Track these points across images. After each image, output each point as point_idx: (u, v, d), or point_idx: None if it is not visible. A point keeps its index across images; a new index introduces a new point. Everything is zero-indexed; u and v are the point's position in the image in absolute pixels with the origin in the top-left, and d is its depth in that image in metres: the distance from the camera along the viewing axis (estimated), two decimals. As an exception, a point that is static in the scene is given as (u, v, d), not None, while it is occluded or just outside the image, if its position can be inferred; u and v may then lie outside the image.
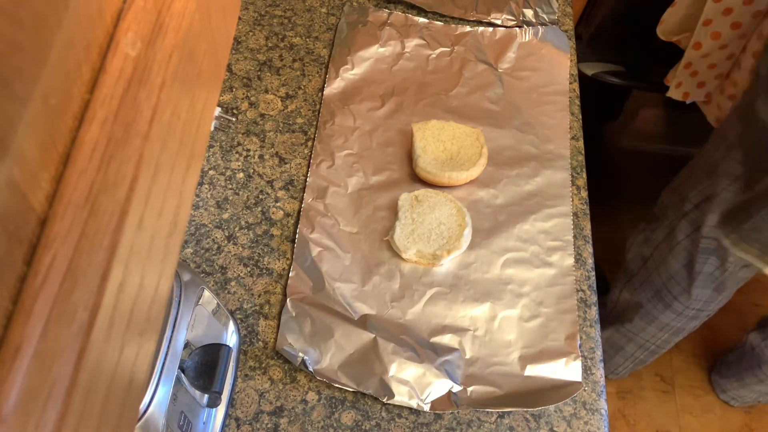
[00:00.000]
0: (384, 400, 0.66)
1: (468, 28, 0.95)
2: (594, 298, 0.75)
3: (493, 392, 0.67)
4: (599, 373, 0.71)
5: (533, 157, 0.84)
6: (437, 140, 0.81)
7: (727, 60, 1.06)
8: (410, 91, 0.89)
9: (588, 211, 0.81)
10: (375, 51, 0.91)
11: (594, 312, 0.74)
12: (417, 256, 0.74)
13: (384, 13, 0.95)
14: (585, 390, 0.70)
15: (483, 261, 0.76)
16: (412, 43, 0.93)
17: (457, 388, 0.67)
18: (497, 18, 0.96)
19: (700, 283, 1.09)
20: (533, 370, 0.69)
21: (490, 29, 0.95)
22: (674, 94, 1.14)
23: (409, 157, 0.82)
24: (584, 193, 0.83)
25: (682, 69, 1.09)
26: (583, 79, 1.32)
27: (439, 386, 0.67)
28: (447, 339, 0.70)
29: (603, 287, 1.52)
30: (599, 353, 0.72)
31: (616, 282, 1.31)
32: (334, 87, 0.87)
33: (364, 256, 0.75)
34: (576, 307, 0.73)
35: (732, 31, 1.00)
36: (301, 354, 0.67)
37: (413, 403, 0.66)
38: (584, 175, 0.84)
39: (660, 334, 1.24)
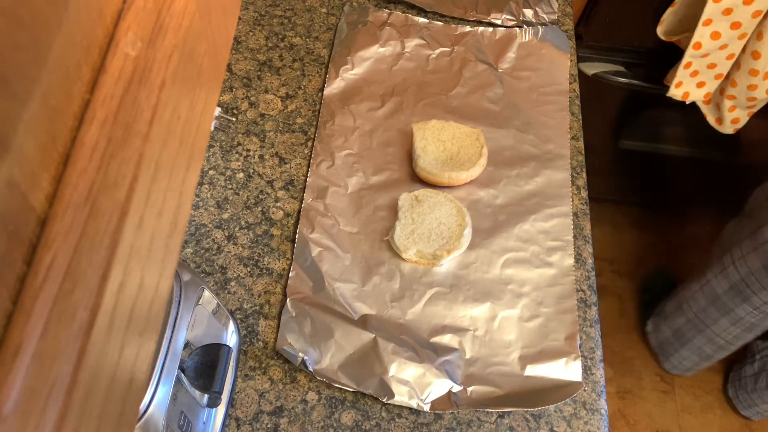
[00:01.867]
0: (384, 400, 0.66)
1: (468, 28, 0.95)
2: (594, 298, 0.75)
3: (493, 392, 0.67)
4: (599, 373, 0.71)
5: (533, 157, 0.84)
6: (437, 140, 0.81)
7: (727, 60, 1.06)
8: (410, 91, 0.89)
9: (588, 211, 0.81)
10: (375, 51, 0.91)
11: (594, 312, 0.74)
12: (417, 256, 0.74)
13: (384, 13, 0.95)
14: (585, 390, 0.70)
15: (483, 261, 0.76)
16: (412, 43, 0.93)
17: (457, 388, 0.67)
18: (497, 18, 0.96)
19: None
20: (533, 370, 0.69)
21: (490, 29, 0.95)
22: (674, 94, 1.14)
23: (409, 157, 0.82)
24: (584, 193, 0.83)
25: (682, 69, 1.09)
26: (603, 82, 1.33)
27: (439, 386, 0.67)
28: (447, 339, 0.70)
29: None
30: (599, 353, 0.72)
31: (690, 273, 1.32)
32: (334, 87, 0.87)
33: (364, 256, 0.75)
34: (576, 307, 0.73)
35: (732, 31, 1.00)
36: (301, 354, 0.67)
37: (413, 403, 0.66)
38: (584, 175, 0.84)
39: (732, 328, 1.26)
